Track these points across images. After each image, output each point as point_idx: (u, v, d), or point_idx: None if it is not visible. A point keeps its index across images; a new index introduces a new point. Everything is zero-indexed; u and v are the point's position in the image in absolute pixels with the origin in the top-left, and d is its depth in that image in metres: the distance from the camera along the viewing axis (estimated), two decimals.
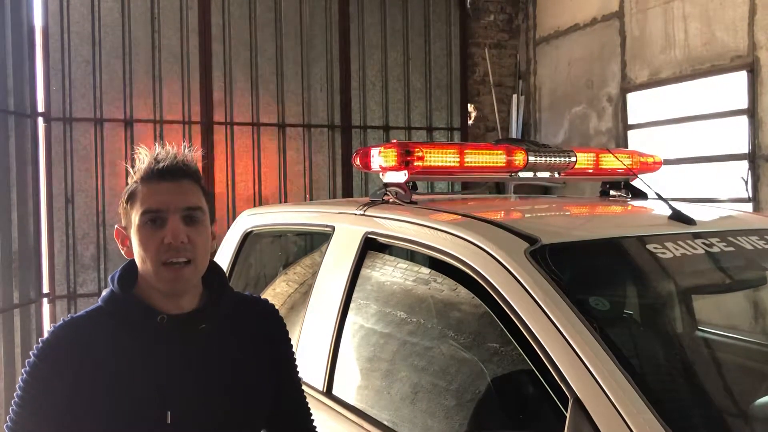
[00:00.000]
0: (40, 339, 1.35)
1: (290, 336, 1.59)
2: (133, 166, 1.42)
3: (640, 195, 2.70)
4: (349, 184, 6.07)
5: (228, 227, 3.22)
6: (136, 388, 1.31)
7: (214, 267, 1.47)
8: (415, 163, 2.21)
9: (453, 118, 6.47)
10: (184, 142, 1.49)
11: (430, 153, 2.23)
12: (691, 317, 2.19)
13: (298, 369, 1.59)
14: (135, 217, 1.35)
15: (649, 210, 2.37)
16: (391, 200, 2.33)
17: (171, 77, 5.50)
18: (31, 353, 1.33)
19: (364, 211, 2.28)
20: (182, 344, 1.37)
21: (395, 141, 2.28)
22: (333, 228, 2.36)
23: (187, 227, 1.34)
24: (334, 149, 6.06)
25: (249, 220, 3.02)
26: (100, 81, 5.28)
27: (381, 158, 2.29)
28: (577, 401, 1.32)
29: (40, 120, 5.12)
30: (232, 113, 5.70)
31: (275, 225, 2.98)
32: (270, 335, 1.52)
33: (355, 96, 6.11)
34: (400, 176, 2.28)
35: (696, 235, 1.88)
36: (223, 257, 2.99)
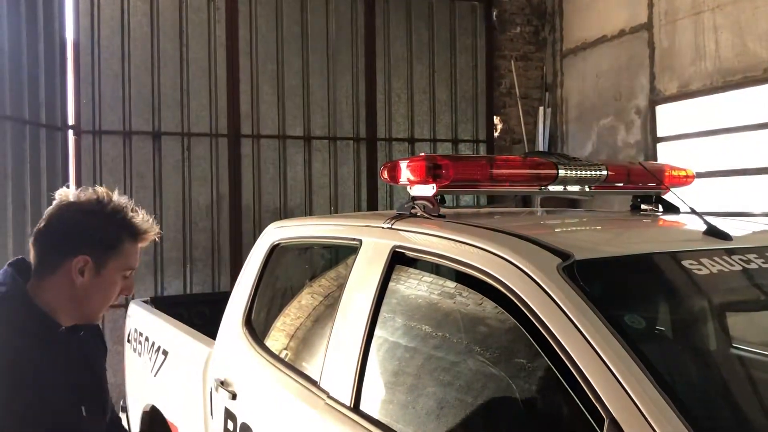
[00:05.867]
0: None
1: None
2: (130, 223, 1.68)
3: (672, 209, 2.65)
4: (374, 197, 6.07)
5: (254, 239, 3.23)
6: (61, 391, 1.53)
7: None
8: (444, 177, 2.19)
9: (479, 130, 6.45)
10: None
11: (458, 166, 2.21)
12: (727, 335, 2.13)
13: None
14: (116, 264, 1.62)
15: (683, 225, 2.32)
16: (418, 213, 2.31)
17: (198, 90, 5.56)
18: None
19: (392, 224, 2.27)
20: (77, 350, 1.66)
21: (423, 154, 2.27)
22: (360, 241, 2.35)
23: None
24: (359, 162, 6.07)
25: (276, 232, 3.01)
26: (129, 94, 5.35)
27: (409, 171, 2.27)
28: (613, 422, 1.28)
29: (70, 132, 5.20)
30: (258, 126, 5.74)
31: (302, 238, 2.98)
32: (102, 337, 1.89)
33: (380, 108, 6.12)
34: (428, 189, 2.26)
35: (732, 251, 1.83)
36: (250, 269, 2.99)
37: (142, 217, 1.69)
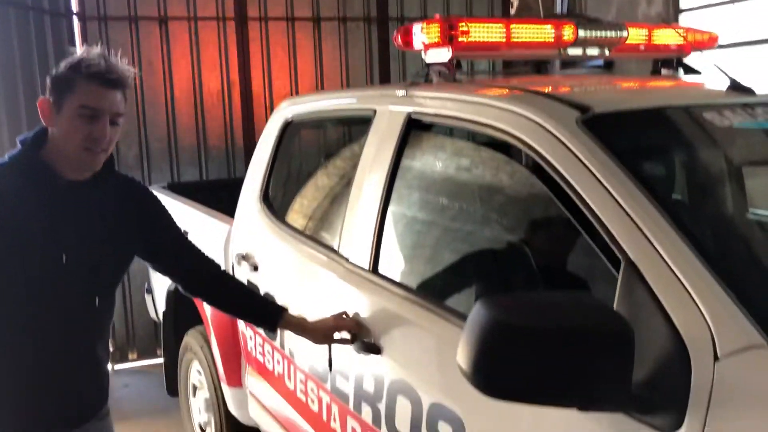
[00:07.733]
0: None
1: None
2: (82, 61, 1.67)
3: (694, 72, 2.58)
4: (386, 81, 5.95)
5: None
6: (39, 235, 1.68)
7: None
8: (460, 39, 2.13)
9: (494, 7, 6.21)
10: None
11: (475, 28, 2.15)
12: (742, 191, 2.13)
13: (175, 223, 2.01)
14: (71, 103, 1.65)
15: (705, 83, 2.26)
16: (434, 80, 2.26)
17: None
18: None
19: (407, 91, 2.23)
20: (77, 204, 1.74)
21: (438, 16, 2.19)
22: (374, 111, 2.32)
23: (110, 127, 1.69)
24: (370, 44, 5.90)
25: (289, 109, 2.98)
26: None
27: (423, 35, 2.20)
28: (630, 263, 1.30)
29: (75, 19, 5.07)
30: (266, 8, 5.56)
31: (315, 112, 2.95)
32: (142, 202, 1.94)
33: None
34: (444, 54, 2.20)
35: (756, 105, 1.80)
36: (265, 145, 2.99)
37: (105, 60, 1.68)
